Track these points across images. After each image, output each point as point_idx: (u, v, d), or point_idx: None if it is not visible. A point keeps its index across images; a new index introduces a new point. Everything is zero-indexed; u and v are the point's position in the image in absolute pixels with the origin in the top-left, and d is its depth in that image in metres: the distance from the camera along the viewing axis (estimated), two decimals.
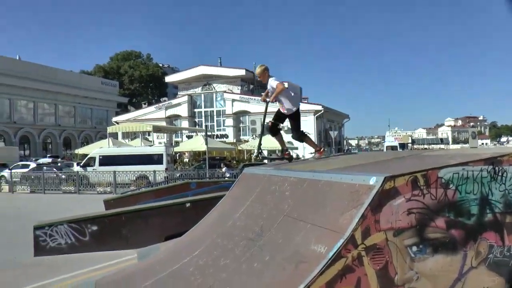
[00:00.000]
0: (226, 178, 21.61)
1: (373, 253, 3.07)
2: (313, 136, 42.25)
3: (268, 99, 6.81)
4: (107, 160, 26.00)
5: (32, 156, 49.94)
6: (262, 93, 7.30)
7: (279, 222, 4.11)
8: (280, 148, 7.63)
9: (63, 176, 25.14)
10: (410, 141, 71.27)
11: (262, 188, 5.38)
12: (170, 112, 50.88)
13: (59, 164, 33.54)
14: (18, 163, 31.31)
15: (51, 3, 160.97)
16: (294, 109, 6.75)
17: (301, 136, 6.94)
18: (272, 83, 6.66)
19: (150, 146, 32.39)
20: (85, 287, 5.79)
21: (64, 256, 8.66)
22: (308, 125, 42.68)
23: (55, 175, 25.31)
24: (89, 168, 25.74)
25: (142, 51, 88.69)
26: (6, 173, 27.55)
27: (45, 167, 28.42)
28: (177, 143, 43.31)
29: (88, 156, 28.12)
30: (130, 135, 43.21)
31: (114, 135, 40.37)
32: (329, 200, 3.69)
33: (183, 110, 50.41)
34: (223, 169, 24.34)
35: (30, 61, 59.03)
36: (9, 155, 39.20)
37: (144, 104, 61.77)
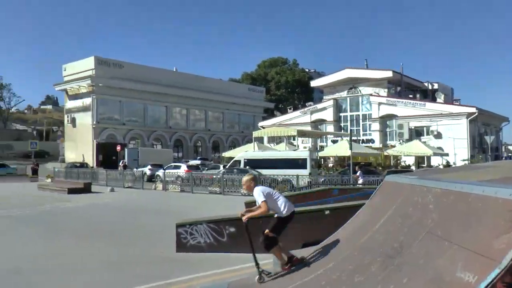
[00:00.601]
0: (359, 184, 20.75)
1: None
2: (465, 142, 39.10)
3: (244, 218, 5.94)
4: (251, 163, 26.76)
5: (184, 158, 53.78)
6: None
7: (420, 239, 3.66)
8: None
9: (209, 177, 26.25)
10: None
11: (403, 198, 4.93)
12: (315, 116, 50.81)
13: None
14: (171, 164, 33.76)
15: (199, 22, 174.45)
16: (286, 213, 5.80)
17: (270, 243, 5.79)
18: (257, 197, 5.82)
19: (295, 150, 32.68)
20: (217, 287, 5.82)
21: (202, 254, 8.97)
22: (460, 129, 39.51)
23: (204, 176, 26.60)
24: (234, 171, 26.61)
25: (289, 57, 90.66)
26: (160, 172, 29.81)
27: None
28: (321, 148, 43.16)
29: (234, 159, 29.30)
30: (276, 140, 44.10)
31: (260, 139, 41.53)
32: (481, 218, 3.15)
33: (328, 115, 50.02)
34: (357, 173, 22.99)
35: (185, 72, 64.39)
36: (164, 157, 43.02)
37: (290, 109, 62.51)
